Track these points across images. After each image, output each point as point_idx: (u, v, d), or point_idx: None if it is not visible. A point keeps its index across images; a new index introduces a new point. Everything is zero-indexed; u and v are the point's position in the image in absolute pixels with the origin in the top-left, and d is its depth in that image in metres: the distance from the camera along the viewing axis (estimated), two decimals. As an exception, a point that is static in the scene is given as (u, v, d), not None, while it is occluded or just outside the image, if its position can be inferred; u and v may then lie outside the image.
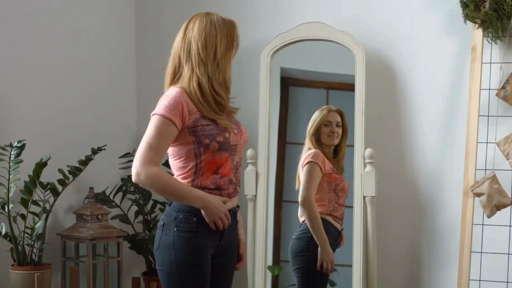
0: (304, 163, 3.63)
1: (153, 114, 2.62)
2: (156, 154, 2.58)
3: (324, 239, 3.55)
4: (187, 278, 2.62)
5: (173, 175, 2.71)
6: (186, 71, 2.67)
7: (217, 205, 2.62)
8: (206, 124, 2.64)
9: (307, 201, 3.56)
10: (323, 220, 3.60)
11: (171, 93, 2.64)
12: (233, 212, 2.73)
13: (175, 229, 2.63)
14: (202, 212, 2.61)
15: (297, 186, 3.68)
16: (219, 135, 2.64)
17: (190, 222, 2.63)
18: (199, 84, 2.64)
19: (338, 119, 3.73)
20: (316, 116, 3.72)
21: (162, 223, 2.68)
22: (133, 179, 2.60)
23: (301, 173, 3.64)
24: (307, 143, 3.69)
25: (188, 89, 2.64)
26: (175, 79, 2.72)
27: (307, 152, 3.66)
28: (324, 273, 3.56)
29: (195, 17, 2.75)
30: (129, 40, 4.48)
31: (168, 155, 2.70)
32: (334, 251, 3.61)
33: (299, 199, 3.59)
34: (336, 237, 3.65)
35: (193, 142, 2.63)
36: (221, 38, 2.68)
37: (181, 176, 2.66)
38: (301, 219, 3.66)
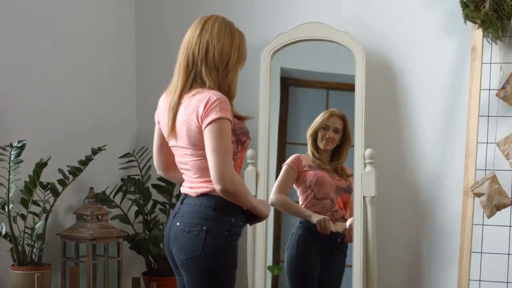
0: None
1: (218, 119, 2.59)
2: (231, 154, 2.61)
3: (300, 212, 3.73)
4: (231, 280, 2.65)
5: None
6: (204, 72, 2.68)
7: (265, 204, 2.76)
8: (238, 122, 2.70)
9: (273, 202, 3.78)
10: (309, 222, 3.72)
11: (218, 96, 2.63)
12: None
13: (226, 233, 2.63)
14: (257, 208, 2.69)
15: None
16: (249, 132, 2.74)
17: (239, 226, 2.67)
18: (219, 86, 2.69)
19: (338, 124, 3.76)
20: (317, 119, 3.80)
21: (205, 228, 2.63)
22: (225, 186, 2.56)
23: None
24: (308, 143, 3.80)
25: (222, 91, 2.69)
26: (190, 76, 2.71)
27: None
28: (310, 246, 3.67)
29: (213, 18, 2.74)
30: (129, 40, 4.48)
31: (194, 157, 2.68)
32: (330, 251, 3.66)
33: (269, 202, 3.78)
34: (327, 237, 3.69)
35: (233, 141, 2.67)
36: (234, 49, 2.71)
37: None
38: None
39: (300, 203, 3.77)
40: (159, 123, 2.83)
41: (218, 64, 2.67)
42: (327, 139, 3.75)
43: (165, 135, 2.77)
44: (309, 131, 3.78)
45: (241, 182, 2.61)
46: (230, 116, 2.62)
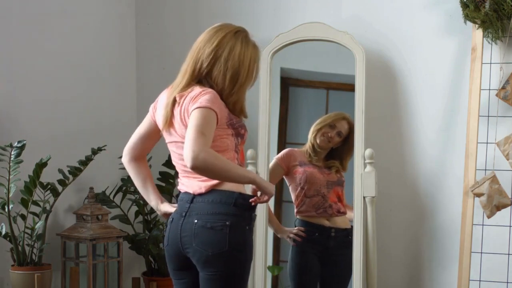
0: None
1: (197, 108, 2.60)
2: (207, 140, 2.56)
3: (274, 223, 3.76)
4: (247, 273, 2.69)
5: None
6: (207, 83, 2.71)
7: (264, 179, 2.71)
8: (235, 117, 2.72)
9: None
10: (302, 221, 3.74)
11: (207, 90, 2.65)
12: None
13: (247, 227, 2.66)
14: (254, 186, 2.65)
15: None
16: (245, 126, 2.76)
17: (254, 219, 2.72)
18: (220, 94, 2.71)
19: (343, 129, 3.76)
20: (327, 115, 3.79)
21: (228, 223, 2.63)
22: (191, 162, 2.51)
23: None
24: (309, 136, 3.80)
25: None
26: (194, 80, 2.72)
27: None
28: (302, 251, 3.69)
29: (233, 33, 2.72)
30: (129, 40, 4.48)
31: None
32: (327, 248, 3.66)
33: None
34: (322, 233, 3.69)
35: (232, 134, 2.69)
36: (247, 70, 2.71)
37: None
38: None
39: (293, 200, 3.78)
40: (154, 114, 2.83)
41: (225, 84, 2.69)
42: (327, 137, 3.75)
43: (160, 128, 2.78)
44: (316, 126, 3.77)
45: (215, 156, 2.53)
46: (217, 108, 2.61)
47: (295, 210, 3.78)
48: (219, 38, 2.70)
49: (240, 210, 2.66)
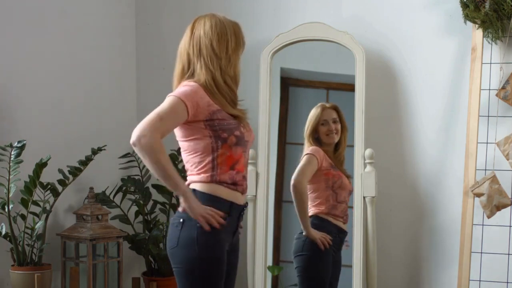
0: (302, 156, 3.59)
1: (168, 96, 2.63)
2: (164, 126, 2.57)
3: (307, 220, 3.50)
4: (209, 272, 2.63)
5: (184, 172, 2.72)
6: (198, 67, 2.69)
7: (197, 203, 2.60)
8: (222, 118, 2.66)
9: (299, 183, 3.48)
10: (323, 219, 3.57)
11: (188, 84, 2.66)
12: (244, 209, 2.74)
13: (197, 224, 2.62)
14: (183, 203, 2.61)
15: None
16: (237, 130, 2.67)
17: (226, 220, 2.65)
18: (213, 78, 2.67)
19: (334, 115, 3.62)
20: (311, 116, 3.63)
21: (181, 220, 2.64)
22: (133, 139, 2.54)
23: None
24: (306, 144, 3.61)
25: (204, 84, 2.66)
26: (184, 78, 2.72)
27: (309, 148, 3.61)
28: (324, 250, 3.49)
29: (200, 18, 2.76)
30: (129, 40, 4.48)
31: (183, 150, 2.70)
32: (338, 250, 3.59)
33: (292, 182, 3.50)
34: (337, 235, 3.59)
35: (210, 136, 2.65)
36: (231, 35, 2.72)
37: (199, 171, 2.66)
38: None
39: (317, 202, 3.59)
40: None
41: (218, 52, 2.69)
42: (331, 132, 3.62)
43: None
44: (307, 131, 3.61)
45: (159, 151, 2.54)
46: (189, 101, 2.60)
47: (321, 209, 3.59)
48: (190, 27, 2.74)
49: None
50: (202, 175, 2.65)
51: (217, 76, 2.67)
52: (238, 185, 2.68)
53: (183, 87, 2.64)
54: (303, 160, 3.56)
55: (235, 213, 2.69)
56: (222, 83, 2.68)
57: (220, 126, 2.65)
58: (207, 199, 2.64)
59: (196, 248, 2.61)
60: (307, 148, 3.61)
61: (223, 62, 2.69)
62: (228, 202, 2.66)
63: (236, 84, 2.73)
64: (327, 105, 3.63)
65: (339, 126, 3.61)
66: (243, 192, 2.72)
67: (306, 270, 3.54)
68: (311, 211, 3.58)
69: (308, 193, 3.56)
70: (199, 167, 2.66)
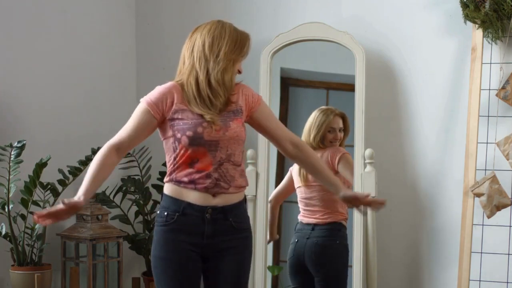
0: (338, 157, 3.68)
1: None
2: (122, 132, 2.75)
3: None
4: (161, 271, 2.69)
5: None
6: (186, 66, 2.71)
7: (58, 207, 2.58)
8: (181, 118, 2.66)
9: None
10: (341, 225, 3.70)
11: (162, 85, 2.71)
12: (222, 210, 2.68)
13: (157, 226, 2.72)
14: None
15: (302, 183, 3.69)
16: (190, 130, 2.64)
17: (162, 216, 2.70)
18: (196, 79, 2.67)
19: (341, 124, 3.75)
20: (320, 122, 3.71)
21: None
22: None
23: (341, 167, 3.66)
24: (308, 144, 3.60)
25: (186, 83, 2.68)
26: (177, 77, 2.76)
27: (332, 148, 3.70)
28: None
29: (207, 22, 2.76)
30: (129, 40, 4.48)
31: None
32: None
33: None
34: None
35: (172, 136, 2.68)
36: (228, 40, 2.70)
37: (167, 171, 2.71)
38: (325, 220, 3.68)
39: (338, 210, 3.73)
40: None
41: (208, 54, 2.68)
42: (335, 140, 3.73)
43: None
44: (316, 136, 3.70)
45: (97, 156, 2.71)
46: (149, 98, 2.67)
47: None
48: (193, 30, 2.76)
49: (160, 210, 2.73)
50: (167, 176, 2.71)
51: (200, 77, 2.67)
52: (197, 184, 2.65)
53: (154, 90, 2.70)
54: (347, 162, 3.70)
55: (194, 213, 2.66)
56: (204, 85, 2.66)
57: (176, 127, 2.67)
58: (164, 199, 2.72)
59: (153, 246, 2.72)
60: (334, 149, 3.72)
61: (211, 65, 2.67)
62: (183, 202, 2.67)
63: (224, 89, 2.68)
64: (337, 112, 3.73)
65: (342, 134, 3.72)
66: (209, 191, 2.66)
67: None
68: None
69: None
70: (168, 165, 2.72)
